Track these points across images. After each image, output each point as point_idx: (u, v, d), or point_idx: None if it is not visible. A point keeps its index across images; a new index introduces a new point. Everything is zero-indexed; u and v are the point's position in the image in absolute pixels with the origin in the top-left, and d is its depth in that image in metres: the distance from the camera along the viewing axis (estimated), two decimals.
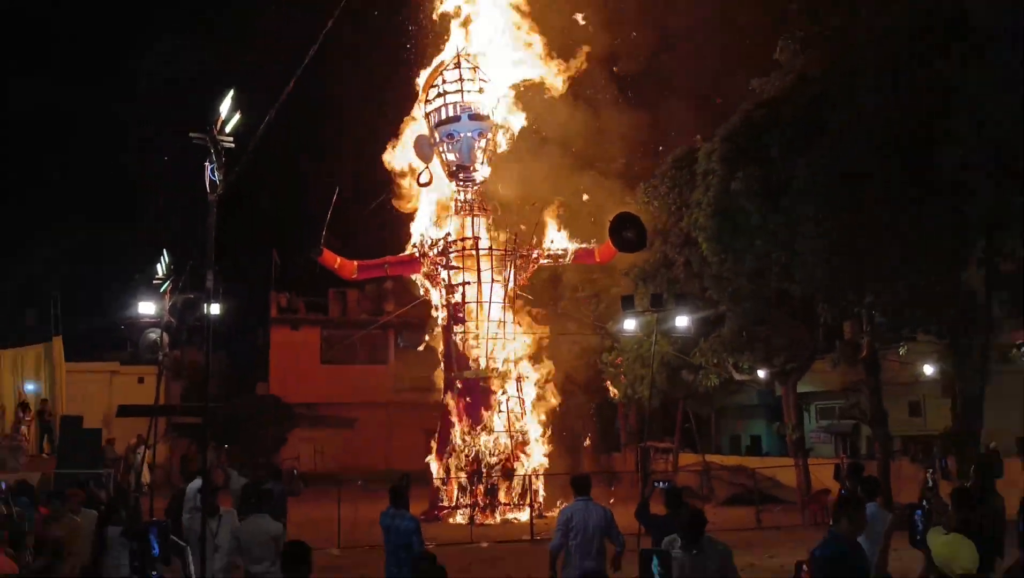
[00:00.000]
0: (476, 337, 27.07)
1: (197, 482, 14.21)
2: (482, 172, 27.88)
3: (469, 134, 27.36)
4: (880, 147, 19.89)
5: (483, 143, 27.63)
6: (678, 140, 29.02)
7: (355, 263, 28.16)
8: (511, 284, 27.65)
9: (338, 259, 27.67)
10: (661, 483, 10.04)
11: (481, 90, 27.52)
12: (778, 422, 30.10)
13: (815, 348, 26.97)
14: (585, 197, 30.39)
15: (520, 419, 27.04)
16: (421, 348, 31.65)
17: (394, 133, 29.71)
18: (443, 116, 27.37)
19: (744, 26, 33.03)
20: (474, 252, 26.96)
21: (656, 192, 27.33)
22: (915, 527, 4.99)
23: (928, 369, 25.17)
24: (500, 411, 26.73)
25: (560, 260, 28.66)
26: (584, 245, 28.38)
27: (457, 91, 27.19)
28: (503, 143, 28.58)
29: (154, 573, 2.64)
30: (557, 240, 28.50)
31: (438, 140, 27.60)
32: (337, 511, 19.08)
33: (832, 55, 21.19)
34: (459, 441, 26.40)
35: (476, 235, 27.17)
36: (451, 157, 27.54)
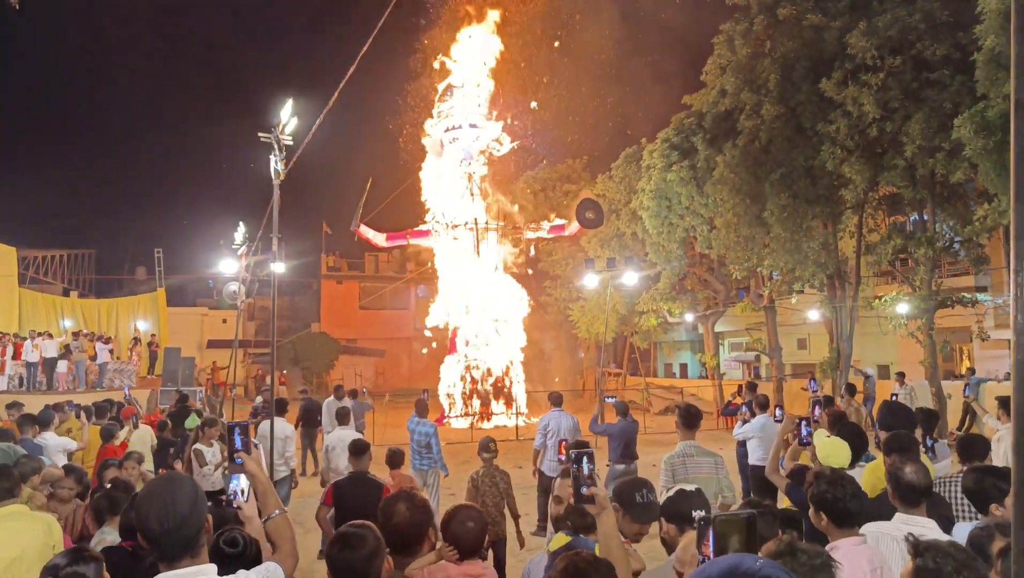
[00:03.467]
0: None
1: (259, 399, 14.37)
2: (477, 163, 27.80)
3: (469, 135, 27.47)
4: (778, 146, 19.84)
5: (480, 144, 27.60)
6: (629, 140, 28.90)
7: (384, 234, 28.16)
8: (501, 251, 27.69)
9: (371, 231, 27.69)
10: (609, 398, 10.03)
11: (480, 105, 27.64)
12: (700, 353, 30.26)
13: (728, 297, 27.09)
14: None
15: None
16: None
17: (413, 131, 29.76)
18: (451, 125, 27.58)
19: (679, 54, 32.83)
20: (474, 227, 26.90)
21: (612, 181, 27.25)
22: (801, 433, 4.99)
23: (813, 314, 25.24)
24: (486, 344, 26.79)
25: (538, 231, 28.61)
26: (557, 222, 28.31)
27: (461, 107, 27.46)
28: (498, 148, 28.44)
29: (238, 460, 2.67)
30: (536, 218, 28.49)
31: (448, 142, 27.72)
32: (372, 418, 19.14)
33: (744, 76, 21.01)
34: (459, 364, 26.56)
35: (475, 215, 27.09)
36: (457, 152, 27.54)
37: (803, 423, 4.97)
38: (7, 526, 3.99)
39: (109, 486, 4.99)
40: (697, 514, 2.89)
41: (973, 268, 20.87)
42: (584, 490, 2.57)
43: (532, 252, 29.73)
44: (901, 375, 19.11)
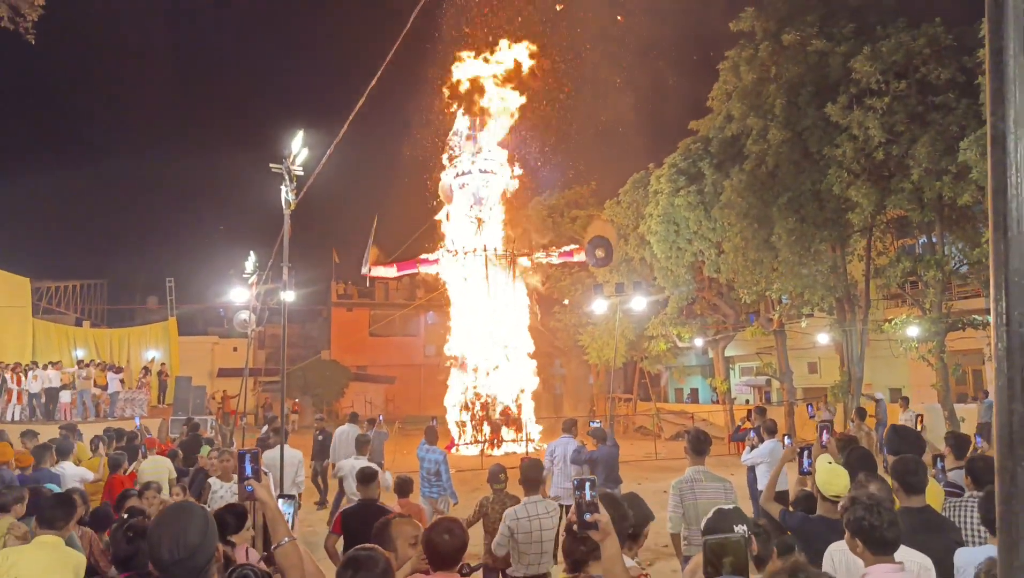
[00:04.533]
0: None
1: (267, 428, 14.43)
2: (486, 206, 28.03)
3: (478, 180, 27.87)
4: (785, 170, 19.91)
5: (489, 190, 27.94)
6: (636, 166, 29.08)
7: (394, 266, 28.40)
8: (509, 279, 27.77)
9: (381, 269, 27.93)
10: (595, 423, 9.98)
11: (488, 150, 28.19)
12: (711, 377, 30.15)
13: (737, 322, 27.05)
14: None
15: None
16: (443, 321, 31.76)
17: (423, 164, 30.16)
18: (460, 170, 28.00)
19: (684, 79, 33.09)
20: (483, 256, 27.05)
21: (619, 206, 27.35)
22: (803, 463, 4.96)
23: (822, 337, 25.14)
24: (497, 368, 26.77)
25: (548, 257, 28.70)
26: (566, 248, 28.39)
27: (469, 153, 28.01)
28: (507, 188, 28.72)
29: (248, 487, 2.73)
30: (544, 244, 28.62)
31: (457, 186, 28.14)
32: (383, 446, 19.09)
33: (750, 101, 21.16)
34: (465, 394, 26.54)
35: (484, 244, 27.23)
36: (467, 195, 27.91)
37: (804, 453, 4.91)
38: (47, 555, 3.99)
39: (127, 516, 4.96)
40: (738, 530, 2.90)
41: (983, 290, 20.78)
42: (587, 517, 2.58)
43: (541, 279, 29.82)
44: (906, 400, 18.75)
